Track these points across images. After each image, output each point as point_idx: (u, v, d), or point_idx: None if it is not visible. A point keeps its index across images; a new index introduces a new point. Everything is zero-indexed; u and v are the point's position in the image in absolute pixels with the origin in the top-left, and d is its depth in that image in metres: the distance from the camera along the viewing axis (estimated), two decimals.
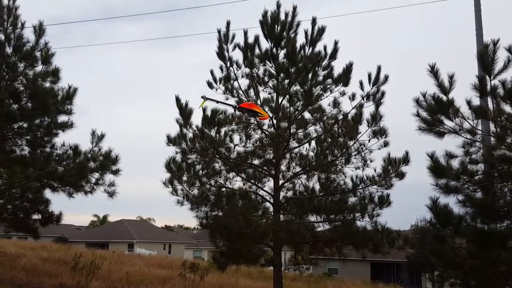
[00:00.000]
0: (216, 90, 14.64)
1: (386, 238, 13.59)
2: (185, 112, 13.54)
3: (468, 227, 9.43)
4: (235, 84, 14.62)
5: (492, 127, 9.27)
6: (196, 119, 13.78)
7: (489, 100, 9.12)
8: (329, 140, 14.18)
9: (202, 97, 12.65)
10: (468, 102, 9.18)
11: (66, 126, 13.38)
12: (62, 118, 13.41)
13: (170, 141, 13.97)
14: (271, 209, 14.38)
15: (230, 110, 14.39)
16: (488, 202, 9.13)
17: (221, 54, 14.64)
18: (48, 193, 13.79)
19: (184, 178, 14.16)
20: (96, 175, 13.42)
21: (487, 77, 8.85)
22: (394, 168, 13.56)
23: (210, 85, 14.60)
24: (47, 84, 13.16)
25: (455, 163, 9.82)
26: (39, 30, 13.34)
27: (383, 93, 13.67)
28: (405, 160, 13.49)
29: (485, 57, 8.89)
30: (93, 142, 13.52)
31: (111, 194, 13.57)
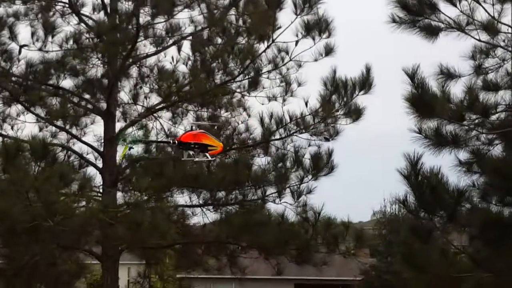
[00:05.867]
0: None
1: (323, 234, 8.66)
2: None
3: (474, 211, 6.38)
4: None
5: None
6: None
7: None
8: (220, 40, 8.89)
9: (123, 139, 7.66)
10: None
11: None
12: None
13: None
14: (100, 180, 9.56)
15: None
16: None
17: None
18: None
19: None
20: None
21: None
22: (342, 97, 8.37)
23: None
24: None
25: (456, 89, 6.63)
26: None
27: None
28: (364, 83, 8.75)
29: None
30: None
31: None
